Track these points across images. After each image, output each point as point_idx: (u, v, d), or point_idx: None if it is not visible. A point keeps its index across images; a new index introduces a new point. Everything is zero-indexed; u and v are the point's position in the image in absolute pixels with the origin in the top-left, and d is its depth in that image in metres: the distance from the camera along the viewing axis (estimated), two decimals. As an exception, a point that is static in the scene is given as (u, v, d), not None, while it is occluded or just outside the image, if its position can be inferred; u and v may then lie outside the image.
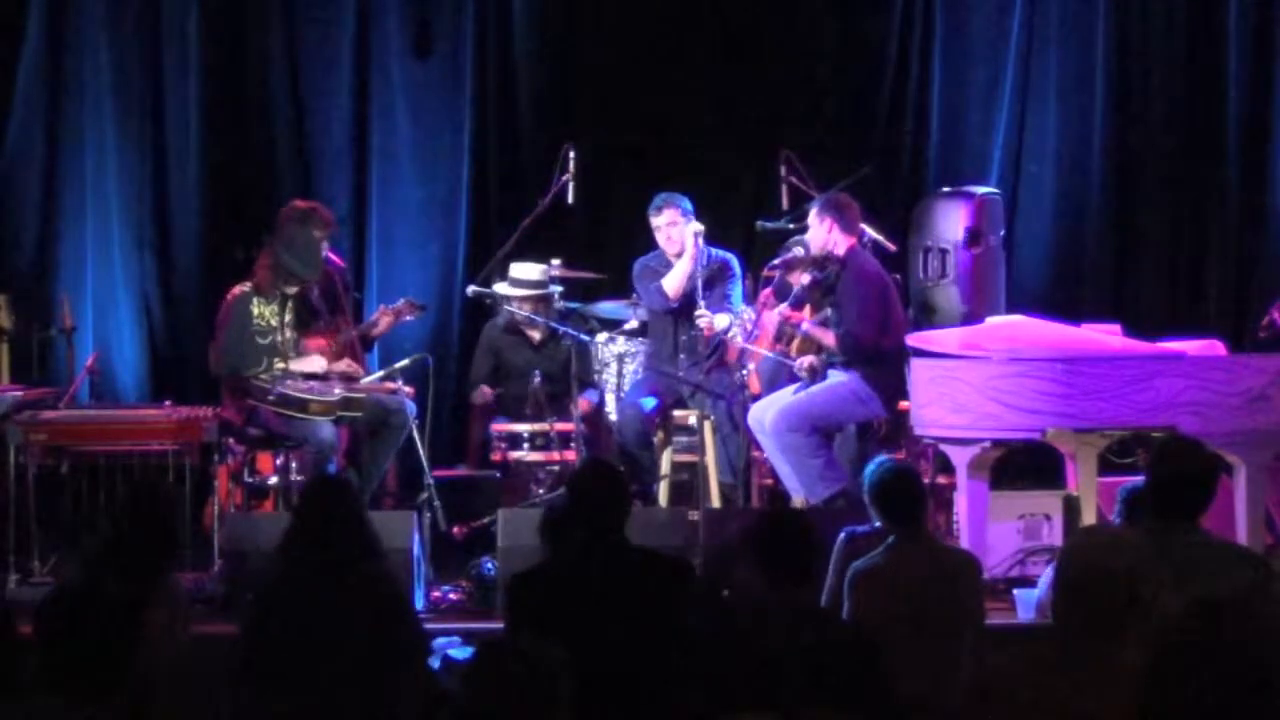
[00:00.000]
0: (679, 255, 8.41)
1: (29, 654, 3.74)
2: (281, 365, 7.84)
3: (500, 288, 8.64)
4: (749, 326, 8.34)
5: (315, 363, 7.97)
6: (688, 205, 8.44)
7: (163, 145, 9.44)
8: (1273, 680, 2.61)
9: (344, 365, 8.06)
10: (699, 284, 8.30)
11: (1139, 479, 6.32)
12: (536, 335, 8.74)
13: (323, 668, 4.74)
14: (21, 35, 9.24)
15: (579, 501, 4.96)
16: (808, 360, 8.00)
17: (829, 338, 8.02)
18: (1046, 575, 6.60)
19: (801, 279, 8.13)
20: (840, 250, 8.04)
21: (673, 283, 8.42)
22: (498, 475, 8.40)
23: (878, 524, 6.00)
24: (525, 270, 8.64)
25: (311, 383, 7.90)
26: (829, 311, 8.09)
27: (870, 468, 6.17)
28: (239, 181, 9.53)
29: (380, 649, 4.81)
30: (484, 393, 8.65)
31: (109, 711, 3.48)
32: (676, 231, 8.40)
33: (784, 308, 8.11)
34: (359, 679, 4.76)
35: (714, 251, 8.55)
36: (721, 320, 8.37)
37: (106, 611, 3.56)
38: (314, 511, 4.97)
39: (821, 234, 8.03)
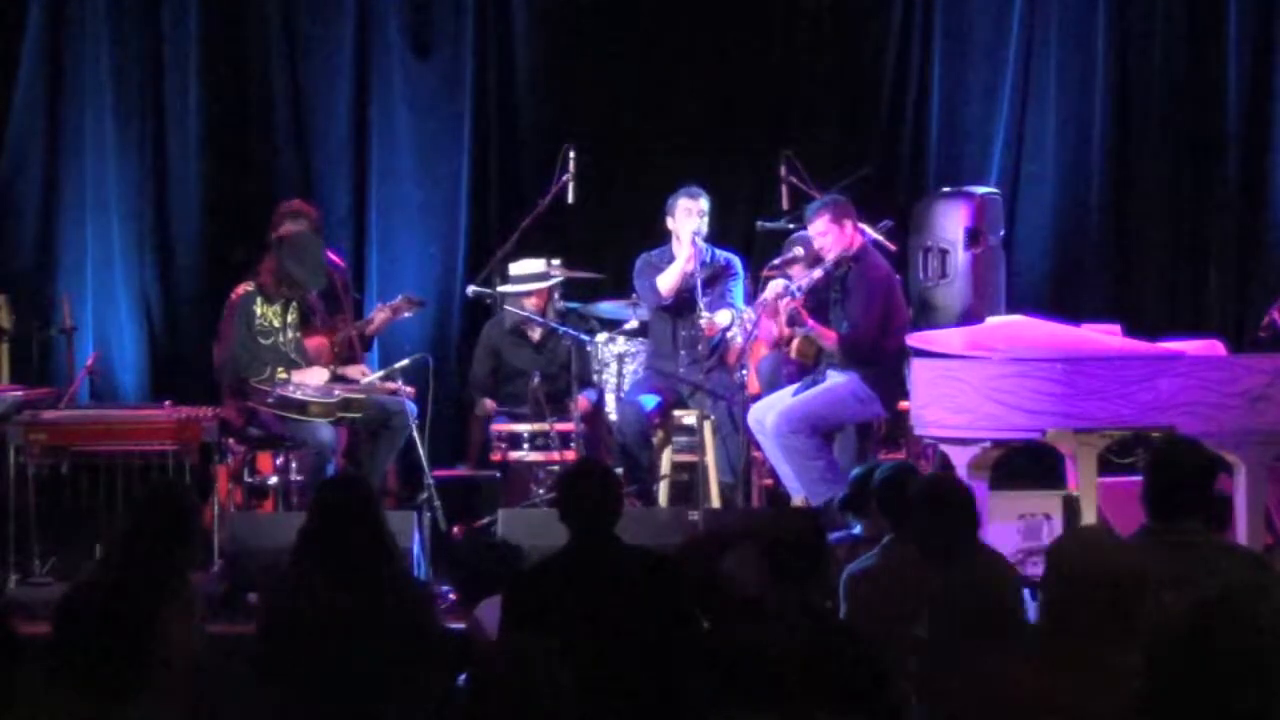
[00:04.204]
0: (690, 236, 8.37)
1: (29, 655, 3.74)
2: (284, 375, 7.84)
3: (504, 287, 8.65)
4: (749, 327, 8.33)
5: (317, 375, 7.96)
6: None
7: (163, 145, 9.44)
8: (1272, 681, 2.61)
9: (357, 372, 8.06)
10: (699, 283, 8.29)
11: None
12: (536, 334, 8.74)
13: (346, 670, 4.74)
14: (22, 35, 9.25)
15: (571, 501, 4.97)
16: (794, 345, 8.05)
17: (830, 339, 8.02)
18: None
19: (813, 274, 8.10)
20: (855, 245, 8.04)
21: (667, 281, 8.41)
22: (498, 475, 8.40)
23: (856, 530, 6.03)
24: (526, 265, 8.65)
25: (311, 384, 7.90)
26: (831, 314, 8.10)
27: (858, 472, 6.20)
28: (239, 181, 9.53)
29: (406, 650, 4.82)
30: (486, 405, 8.67)
31: (125, 711, 3.48)
32: (702, 223, 8.37)
33: (792, 299, 8.09)
34: (384, 681, 4.76)
35: (717, 251, 8.54)
36: (723, 317, 8.36)
37: (125, 610, 3.56)
38: (329, 512, 4.97)
39: (842, 237, 7.99)
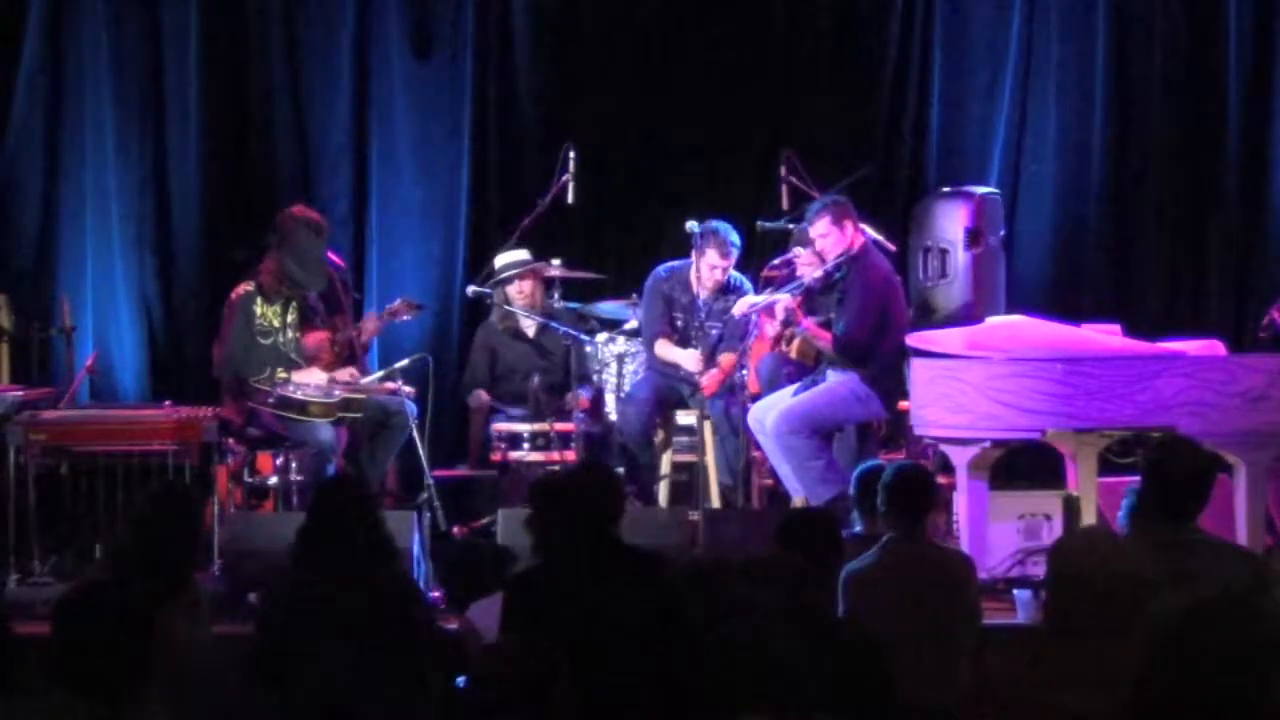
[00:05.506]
0: (712, 288, 8.34)
1: (28, 654, 3.75)
2: (284, 375, 7.86)
3: (494, 280, 8.65)
4: (751, 327, 8.32)
5: (315, 375, 7.97)
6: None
7: (163, 145, 9.44)
8: (1268, 681, 2.60)
9: (348, 375, 8.08)
10: (704, 318, 8.28)
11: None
12: (531, 330, 8.73)
13: (343, 670, 4.74)
14: (22, 35, 9.25)
15: (573, 501, 4.97)
16: (795, 345, 8.06)
17: (826, 339, 8.02)
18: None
19: (815, 273, 8.10)
20: (856, 245, 8.03)
21: (664, 356, 8.42)
22: (498, 475, 8.40)
23: (857, 529, 6.03)
24: (507, 256, 8.65)
25: (311, 384, 7.92)
26: (830, 313, 8.10)
27: (860, 470, 6.20)
28: (239, 181, 9.53)
29: (401, 651, 4.81)
30: (480, 396, 8.65)
31: (125, 712, 3.48)
32: (720, 275, 8.34)
33: (789, 298, 8.09)
34: (380, 681, 4.76)
35: (733, 274, 8.48)
36: (725, 360, 8.33)
37: (124, 611, 3.56)
38: (327, 512, 4.97)
39: (843, 238, 7.99)
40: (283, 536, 5.36)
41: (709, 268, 8.30)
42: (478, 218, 9.61)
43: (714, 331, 8.39)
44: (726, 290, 8.43)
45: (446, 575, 7.18)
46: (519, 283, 8.64)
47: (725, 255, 8.30)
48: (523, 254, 8.68)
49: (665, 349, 8.47)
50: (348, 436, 8.12)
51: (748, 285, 8.49)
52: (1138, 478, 6.69)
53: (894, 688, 3.61)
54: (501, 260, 8.68)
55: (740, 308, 8.12)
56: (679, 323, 8.51)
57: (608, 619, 4.73)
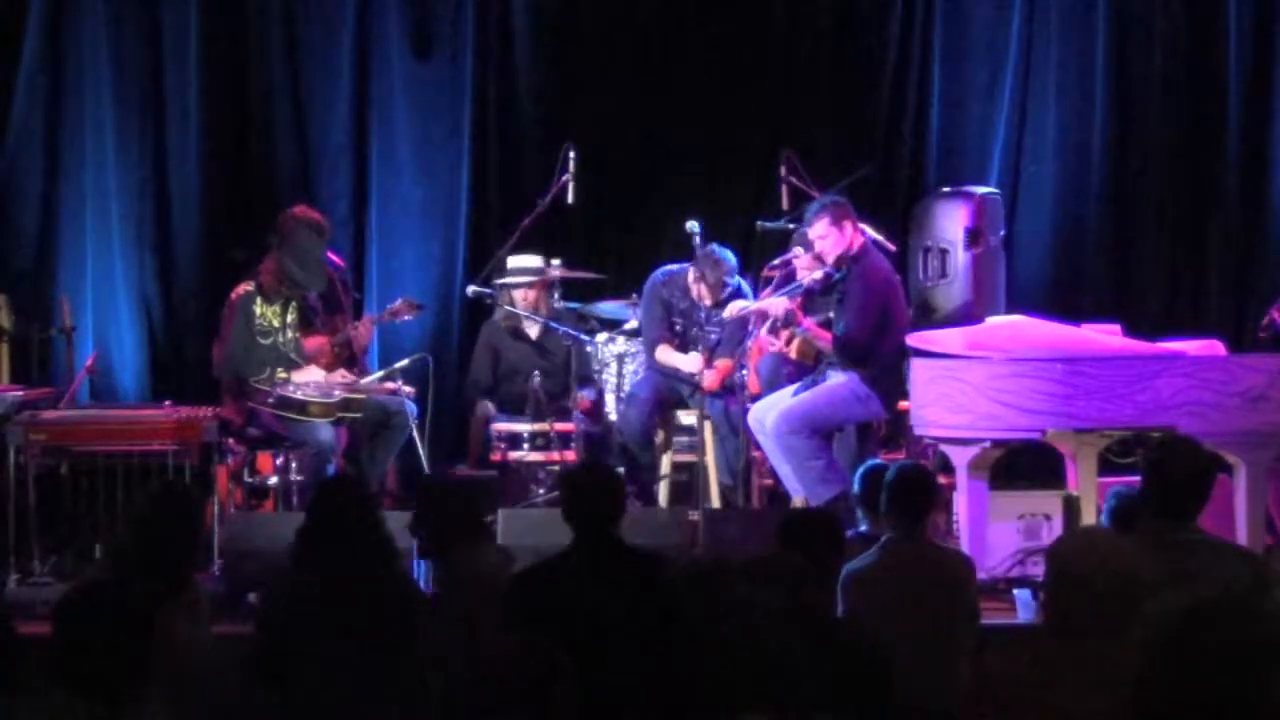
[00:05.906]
0: (711, 304, 8.34)
1: (28, 654, 3.74)
2: (284, 375, 7.86)
3: (499, 280, 8.65)
4: (748, 328, 8.33)
5: (315, 375, 7.98)
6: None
7: (163, 145, 9.44)
8: (1269, 681, 2.60)
9: (340, 376, 8.08)
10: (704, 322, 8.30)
11: (1121, 484, 6.37)
12: (534, 332, 8.73)
13: (343, 670, 4.74)
14: (22, 35, 9.25)
15: (574, 500, 4.97)
16: (795, 345, 8.06)
17: (825, 339, 8.02)
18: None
19: (814, 275, 8.10)
20: (855, 245, 8.03)
21: (664, 362, 8.42)
22: (498, 475, 8.40)
23: (863, 529, 6.04)
24: (522, 260, 8.65)
25: (311, 383, 7.92)
26: (830, 313, 8.10)
27: (864, 469, 6.20)
28: (239, 181, 9.54)
29: (401, 651, 4.81)
30: (487, 408, 8.65)
31: (125, 712, 3.48)
32: (715, 296, 8.34)
33: (787, 300, 8.09)
34: (380, 681, 4.76)
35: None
36: (725, 365, 8.34)
37: (124, 611, 3.56)
38: (327, 512, 4.97)
39: (842, 239, 7.99)
40: (283, 536, 5.36)
41: (704, 292, 8.31)
42: (478, 218, 9.61)
43: (713, 335, 8.40)
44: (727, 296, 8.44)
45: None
46: (525, 290, 8.64)
47: (721, 285, 8.32)
48: (535, 260, 8.67)
49: (666, 355, 8.48)
50: (348, 436, 8.13)
51: (746, 288, 8.50)
52: (1129, 478, 6.74)
53: (894, 688, 3.61)
54: (514, 263, 8.66)
55: (730, 311, 8.13)
56: (678, 327, 8.51)
57: (608, 619, 4.74)
